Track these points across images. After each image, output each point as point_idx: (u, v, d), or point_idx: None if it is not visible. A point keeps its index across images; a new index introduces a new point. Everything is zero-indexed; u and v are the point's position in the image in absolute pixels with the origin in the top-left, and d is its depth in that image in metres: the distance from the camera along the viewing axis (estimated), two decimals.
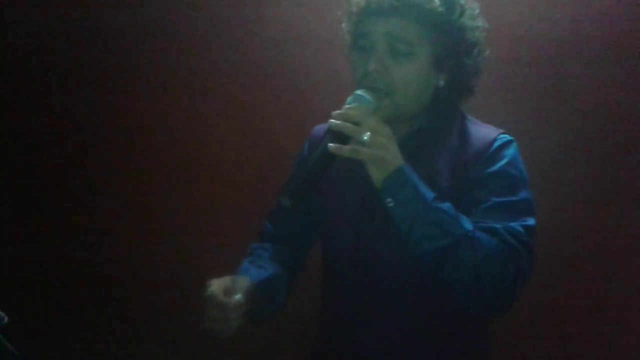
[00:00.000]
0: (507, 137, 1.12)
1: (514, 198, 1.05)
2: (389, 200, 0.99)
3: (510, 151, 1.09)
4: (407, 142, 1.10)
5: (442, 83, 1.11)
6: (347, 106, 1.02)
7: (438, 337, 1.11)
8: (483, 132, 1.13)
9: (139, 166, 2.13)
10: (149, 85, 2.16)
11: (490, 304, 1.02)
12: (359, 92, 1.04)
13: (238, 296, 1.04)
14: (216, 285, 1.04)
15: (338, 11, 1.19)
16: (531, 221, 1.05)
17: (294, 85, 2.02)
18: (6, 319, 0.93)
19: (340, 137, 0.98)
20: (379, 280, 1.12)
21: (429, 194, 1.00)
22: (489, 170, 1.07)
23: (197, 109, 2.12)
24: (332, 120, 0.99)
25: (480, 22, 1.12)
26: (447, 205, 1.00)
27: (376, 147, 0.97)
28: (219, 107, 2.09)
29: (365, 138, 0.97)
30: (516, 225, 1.01)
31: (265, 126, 2.05)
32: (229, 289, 1.05)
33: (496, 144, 1.09)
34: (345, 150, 0.96)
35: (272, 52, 2.04)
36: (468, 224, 1.00)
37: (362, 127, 0.97)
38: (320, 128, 1.28)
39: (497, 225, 1.00)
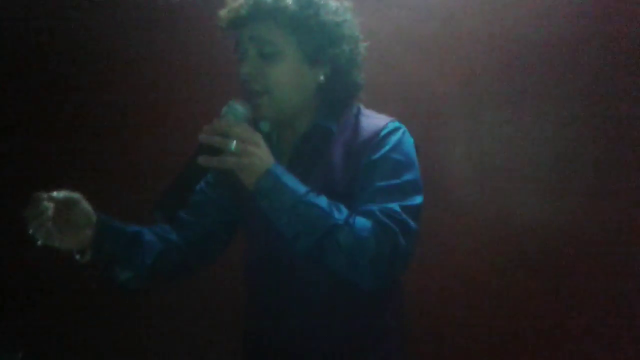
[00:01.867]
0: (395, 124, 1.18)
1: (396, 181, 1.11)
2: (263, 202, 1.06)
3: (395, 137, 1.15)
4: (304, 140, 1.19)
5: (322, 78, 1.18)
6: (216, 119, 1.08)
7: (347, 317, 1.18)
8: (373, 122, 1.19)
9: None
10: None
11: (371, 280, 1.09)
12: (231, 101, 1.12)
13: (55, 194, 1.04)
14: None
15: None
16: (416, 200, 1.12)
17: None
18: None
19: (211, 149, 1.03)
20: (289, 271, 1.19)
21: (301, 190, 1.06)
22: (373, 157, 1.14)
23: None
24: (201, 135, 1.04)
25: (343, 17, 1.17)
26: (320, 199, 1.06)
27: (243, 154, 1.03)
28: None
29: (233, 148, 1.02)
30: (394, 205, 1.08)
31: None
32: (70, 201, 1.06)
33: (383, 132, 1.16)
34: (214, 161, 1.02)
35: None
36: (341, 213, 1.07)
37: (230, 137, 1.03)
38: None
39: (374, 208, 1.08)
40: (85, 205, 1.09)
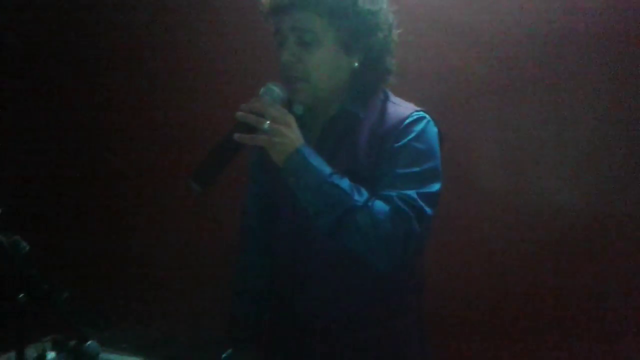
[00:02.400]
0: (419, 114, 1.26)
1: (416, 169, 1.21)
2: (290, 179, 1.16)
3: (419, 127, 1.24)
4: (333, 123, 1.27)
5: (356, 64, 1.26)
6: (254, 98, 1.16)
7: (364, 291, 1.29)
8: (399, 110, 1.27)
9: None
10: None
11: (384, 261, 1.20)
12: (269, 84, 1.19)
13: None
14: None
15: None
16: (433, 188, 1.23)
17: None
18: (27, 247, 1.01)
19: (246, 127, 1.11)
20: (312, 247, 1.32)
21: (326, 171, 1.15)
22: (397, 145, 1.23)
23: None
24: (238, 112, 1.12)
25: (378, 5, 1.24)
26: (342, 181, 1.15)
27: (274, 134, 1.13)
28: None
29: (266, 127, 1.11)
30: (412, 192, 1.17)
31: None
32: None
33: (407, 120, 1.24)
34: (247, 138, 1.11)
35: None
36: (362, 196, 1.15)
37: (264, 117, 1.12)
38: None
39: (392, 193, 1.15)
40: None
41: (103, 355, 1.77)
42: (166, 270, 2.34)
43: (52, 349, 1.75)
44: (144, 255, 2.40)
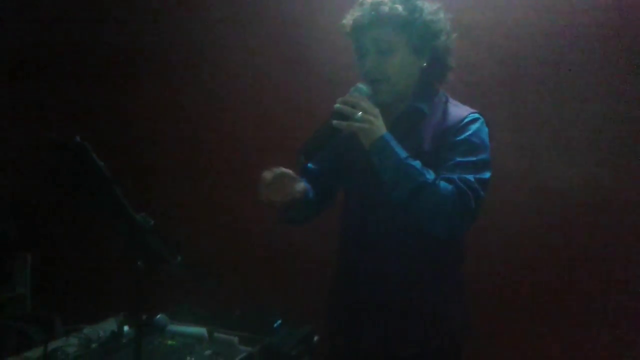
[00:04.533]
0: (475, 115, 1.49)
1: (472, 158, 1.43)
2: (374, 158, 1.40)
3: (475, 125, 1.47)
4: (403, 118, 1.51)
5: (424, 64, 1.50)
6: (348, 94, 1.43)
7: (417, 257, 1.51)
8: (458, 111, 1.51)
9: None
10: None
11: (445, 231, 1.42)
12: (359, 84, 1.46)
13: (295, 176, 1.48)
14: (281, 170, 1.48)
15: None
16: (486, 175, 1.43)
17: None
18: (152, 221, 1.22)
19: (342, 115, 1.39)
20: (378, 220, 1.53)
21: (403, 154, 1.38)
22: (457, 139, 1.45)
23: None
24: (336, 105, 1.39)
25: (439, 15, 1.50)
26: (416, 162, 1.38)
27: (365, 122, 1.38)
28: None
29: (358, 116, 1.37)
30: (469, 177, 1.39)
31: None
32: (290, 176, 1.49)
33: (466, 119, 1.47)
34: (343, 124, 1.38)
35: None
36: (430, 175, 1.38)
37: (356, 108, 1.38)
38: None
39: (454, 176, 1.38)
40: (294, 176, 1.50)
41: (171, 326, 2.01)
42: (222, 252, 2.52)
43: (125, 323, 1.98)
44: (201, 239, 2.55)
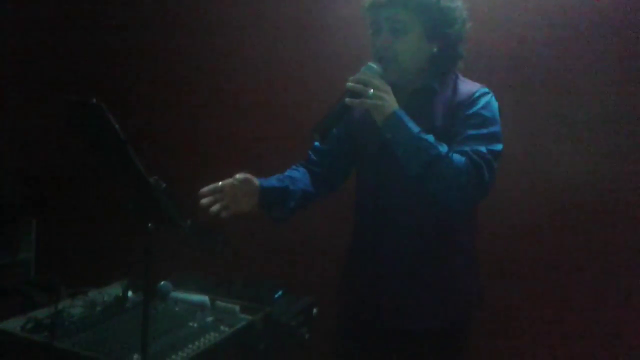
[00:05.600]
0: (484, 90, 1.52)
1: (484, 131, 1.45)
2: (388, 134, 1.43)
3: (485, 99, 1.50)
4: (415, 95, 1.54)
5: (435, 50, 1.52)
6: (360, 72, 1.45)
7: (430, 233, 1.54)
8: (468, 86, 1.54)
9: None
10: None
11: (460, 201, 1.46)
12: (369, 63, 1.48)
13: (228, 180, 1.48)
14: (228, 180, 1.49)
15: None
16: (498, 147, 1.45)
17: None
18: (163, 185, 1.26)
19: (354, 93, 1.41)
20: (392, 198, 1.56)
21: (416, 129, 1.41)
22: (467, 112, 1.48)
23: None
24: (348, 83, 1.42)
25: (456, 3, 1.51)
26: (428, 136, 1.41)
27: (377, 99, 1.41)
28: None
29: (370, 93, 1.39)
30: (482, 148, 1.42)
31: None
32: (241, 183, 1.49)
33: (476, 94, 1.50)
34: (356, 102, 1.40)
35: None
36: (444, 148, 1.40)
37: (368, 86, 1.40)
38: None
39: (467, 148, 1.41)
40: (254, 180, 1.52)
41: (173, 293, 2.05)
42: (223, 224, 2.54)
43: (130, 288, 2.02)
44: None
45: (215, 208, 1.44)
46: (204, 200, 1.45)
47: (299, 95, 2.56)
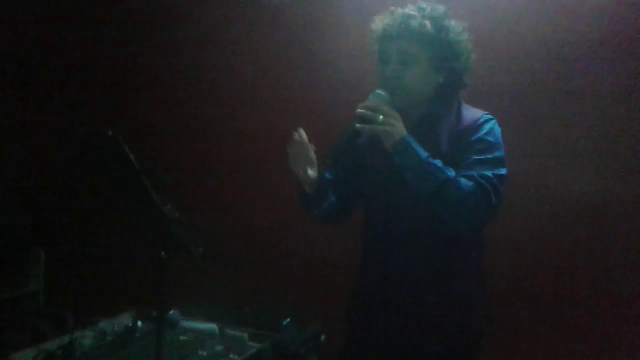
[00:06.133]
0: (488, 116, 1.58)
1: (489, 156, 1.50)
2: (397, 159, 1.48)
3: (489, 125, 1.55)
4: (420, 122, 1.60)
5: (441, 80, 1.58)
6: (369, 99, 1.52)
7: (441, 251, 1.58)
8: (472, 113, 1.59)
9: None
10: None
11: (469, 224, 1.50)
12: (377, 90, 1.54)
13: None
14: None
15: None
16: (502, 171, 1.50)
17: None
18: (177, 214, 1.28)
19: (364, 119, 1.47)
20: (401, 220, 1.60)
21: (424, 154, 1.46)
22: (472, 138, 1.53)
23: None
24: (358, 109, 1.48)
25: (464, 37, 1.58)
26: (436, 161, 1.46)
27: (387, 125, 1.46)
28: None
29: (380, 119, 1.46)
30: (488, 172, 1.46)
31: None
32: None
33: (480, 120, 1.56)
34: (366, 127, 1.46)
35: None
36: (451, 172, 1.45)
37: (377, 112, 1.46)
38: None
39: (474, 173, 1.45)
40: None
41: (183, 322, 2.07)
42: (232, 251, 2.56)
43: (139, 318, 2.03)
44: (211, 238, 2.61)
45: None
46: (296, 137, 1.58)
47: (304, 99, 2.61)
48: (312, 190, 1.64)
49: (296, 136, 1.60)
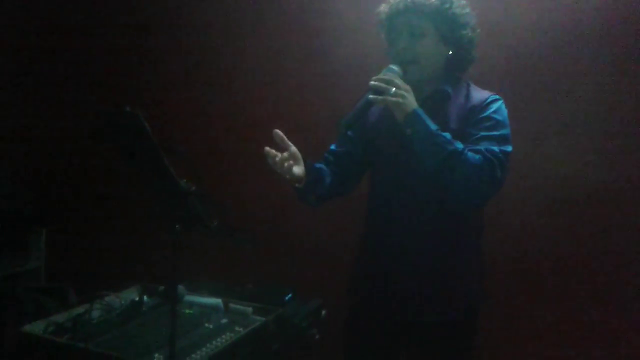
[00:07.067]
0: (496, 96, 1.63)
1: (496, 133, 1.56)
2: (408, 130, 1.53)
3: (496, 104, 1.61)
4: (430, 98, 1.64)
5: (450, 52, 1.63)
6: (381, 73, 1.56)
7: (443, 228, 1.63)
8: (480, 94, 1.65)
9: None
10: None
11: (474, 197, 1.55)
12: (390, 65, 1.59)
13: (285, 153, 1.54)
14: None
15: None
16: (508, 148, 1.55)
17: None
18: (193, 187, 1.32)
19: (377, 91, 1.51)
20: (407, 193, 1.64)
21: (434, 126, 1.50)
22: (480, 116, 1.59)
23: None
24: (372, 82, 1.52)
25: (466, 10, 1.64)
26: (446, 134, 1.50)
27: (398, 97, 1.50)
28: None
29: (392, 92, 1.49)
30: (495, 148, 1.51)
31: None
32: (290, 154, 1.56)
33: (488, 100, 1.61)
34: (379, 99, 1.50)
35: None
36: (460, 145, 1.49)
37: (390, 85, 1.50)
38: None
39: (481, 147, 1.51)
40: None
41: (188, 297, 2.11)
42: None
43: (144, 294, 2.08)
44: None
45: (283, 155, 1.52)
46: (270, 149, 1.51)
47: (306, 93, 2.64)
48: (302, 184, 1.63)
49: (267, 149, 1.53)
